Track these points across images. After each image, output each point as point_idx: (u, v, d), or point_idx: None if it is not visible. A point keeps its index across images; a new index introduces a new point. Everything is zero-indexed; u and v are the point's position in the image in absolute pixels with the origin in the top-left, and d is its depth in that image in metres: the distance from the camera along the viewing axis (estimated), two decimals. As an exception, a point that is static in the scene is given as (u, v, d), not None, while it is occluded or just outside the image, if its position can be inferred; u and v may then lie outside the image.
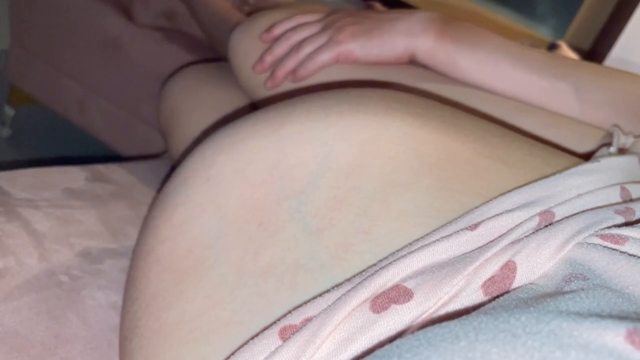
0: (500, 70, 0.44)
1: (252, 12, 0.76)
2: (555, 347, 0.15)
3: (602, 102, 0.41)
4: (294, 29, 0.53)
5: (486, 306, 0.20)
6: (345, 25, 0.49)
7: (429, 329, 0.17)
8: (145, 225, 0.34)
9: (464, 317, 0.17)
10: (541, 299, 0.19)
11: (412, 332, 0.19)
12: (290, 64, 0.51)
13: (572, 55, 1.06)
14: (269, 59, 0.52)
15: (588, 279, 0.20)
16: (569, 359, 0.14)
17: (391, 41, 0.47)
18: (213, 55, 1.06)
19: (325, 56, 0.49)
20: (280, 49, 0.52)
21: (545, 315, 0.16)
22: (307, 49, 0.50)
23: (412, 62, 0.49)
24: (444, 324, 0.17)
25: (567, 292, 0.19)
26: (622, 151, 0.36)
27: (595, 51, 1.33)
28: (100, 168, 0.61)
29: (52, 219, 0.47)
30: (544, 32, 1.50)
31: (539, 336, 0.15)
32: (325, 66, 0.50)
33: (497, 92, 0.45)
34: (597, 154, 0.35)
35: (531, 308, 0.17)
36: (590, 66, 0.44)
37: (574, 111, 0.43)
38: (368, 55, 0.48)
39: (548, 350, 0.15)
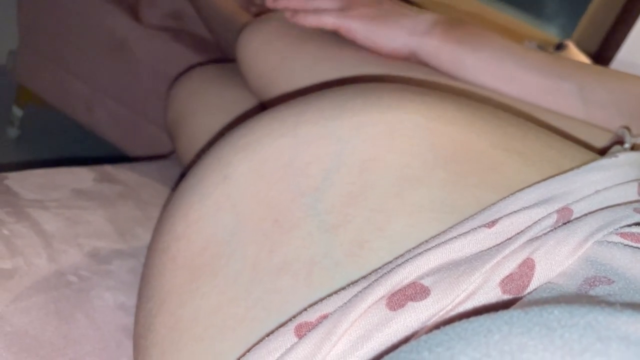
0: (505, 69, 0.44)
1: (259, 13, 0.76)
2: (594, 339, 0.14)
3: (607, 102, 0.41)
4: None
5: (513, 306, 0.20)
6: (358, 5, 0.51)
7: (456, 324, 0.17)
8: (160, 223, 0.34)
9: (491, 313, 0.17)
10: (568, 299, 0.18)
11: (430, 330, 0.18)
12: (295, 3, 0.53)
13: (580, 55, 1.05)
14: None
15: (613, 282, 0.20)
16: (610, 351, 0.14)
17: (392, 34, 0.49)
18: (220, 55, 1.06)
19: (328, 20, 0.51)
20: None
21: (579, 309, 0.16)
22: (317, 3, 0.53)
23: (413, 60, 0.50)
24: (472, 319, 0.17)
25: (594, 297, 0.19)
26: (634, 148, 0.36)
27: (601, 54, 1.33)
28: (108, 169, 0.61)
29: (60, 219, 0.47)
30: (550, 33, 1.49)
31: (576, 328, 0.15)
32: (323, 27, 0.52)
33: (502, 92, 0.45)
34: (612, 149, 0.34)
35: (562, 303, 0.16)
36: (595, 68, 0.44)
37: (578, 112, 0.43)
38: (366, 39, 0.50)
39: (588, 342, 0.14)
